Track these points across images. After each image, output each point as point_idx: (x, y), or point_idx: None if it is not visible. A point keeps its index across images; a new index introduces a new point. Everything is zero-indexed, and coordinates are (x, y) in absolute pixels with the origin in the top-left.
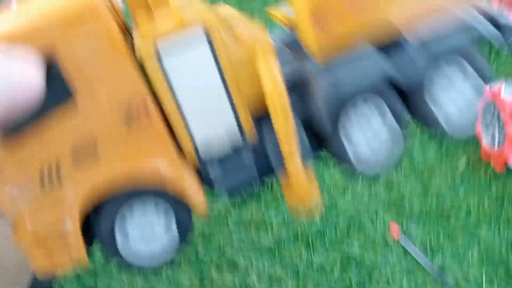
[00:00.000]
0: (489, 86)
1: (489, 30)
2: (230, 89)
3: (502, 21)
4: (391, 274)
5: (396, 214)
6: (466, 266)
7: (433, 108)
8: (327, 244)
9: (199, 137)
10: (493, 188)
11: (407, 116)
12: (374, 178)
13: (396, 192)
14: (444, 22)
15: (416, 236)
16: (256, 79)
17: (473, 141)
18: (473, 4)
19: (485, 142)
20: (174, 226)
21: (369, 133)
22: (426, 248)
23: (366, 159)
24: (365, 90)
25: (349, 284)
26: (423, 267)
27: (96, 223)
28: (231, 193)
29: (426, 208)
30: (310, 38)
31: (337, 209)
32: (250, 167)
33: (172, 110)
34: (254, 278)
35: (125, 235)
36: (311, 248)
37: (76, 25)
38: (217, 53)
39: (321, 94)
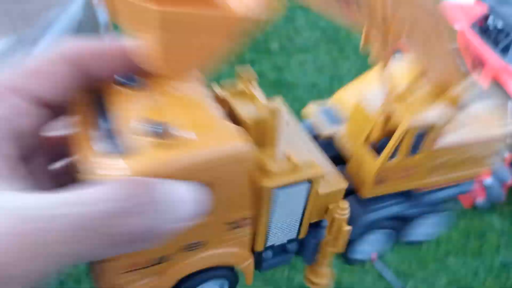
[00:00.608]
0: None
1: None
2: (305, 213)
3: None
4: None
5: None
6: None
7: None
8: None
9: (270, 241)
10: (461, 223)
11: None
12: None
13: None
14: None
15: (391, 262)
16: (324, 206)
17: None
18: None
19: None
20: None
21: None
22: (399, 274)
23: None
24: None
25: None
26: None
27: None
28: (270, 268)
29: None
30: (365, 189)
31: None
32: (291, 253)
33: (263, 224)
34: None
35: None
36: (294, 267)
37: (230, 165)
38: (311, 191)
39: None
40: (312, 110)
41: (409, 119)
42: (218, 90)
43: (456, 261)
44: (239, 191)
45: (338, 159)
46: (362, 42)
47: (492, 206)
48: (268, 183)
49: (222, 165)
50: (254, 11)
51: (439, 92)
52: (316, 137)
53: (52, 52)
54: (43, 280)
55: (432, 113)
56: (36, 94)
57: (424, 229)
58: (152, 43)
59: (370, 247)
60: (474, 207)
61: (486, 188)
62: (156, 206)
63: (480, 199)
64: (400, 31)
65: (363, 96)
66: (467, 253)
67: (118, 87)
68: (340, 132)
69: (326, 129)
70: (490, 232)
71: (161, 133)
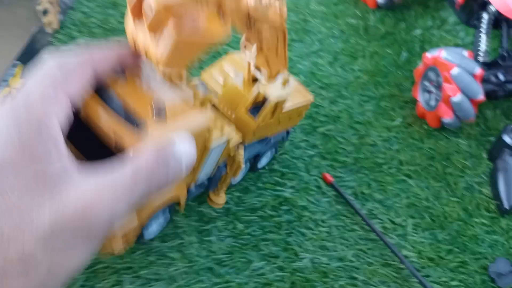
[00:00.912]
0: (429, 53)
1: None
2: (219, 160)
3: None
4: (321, 216)
5: (331, 163)
6: (394, 213)
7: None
8: (260, 187)
9: (199, 181)
10: (425, 145)
11: None
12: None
13: (332, 143)
14: None
15: (349, 184)
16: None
17: (411, 104)
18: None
19: (421, 103)
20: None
21: None
22: (357, 195)
23: None
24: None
25: (278, 224)
26: (353, 212)
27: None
28: (193, 198)
29: (360, 159)
30: (245, 139)
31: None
32: (205, 185)
33: (196, 170)
34: (180, 216)
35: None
36: (244, 190)
37: (203, 132)
38: (226, 146)
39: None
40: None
41: (274, 96)
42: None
43: (418, 184)
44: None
45: None
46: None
47: (461, 126)
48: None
49: (199, 132)
50: (220, 37)
51: (272, 77)
52: None
53: (80, 56)
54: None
55: (284, 90)
56: (72, 93)
57: (264, 160)
58: (164, 49)
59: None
60: (441, 128)
61: (454, 106)
62: (175, 161)
63: (448, 118)
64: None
65: (228, 74)
66: (430, 176)
67: (117, 80)
68: (217, 101)
69: None
70: (455, 155)
71: (160, 114)
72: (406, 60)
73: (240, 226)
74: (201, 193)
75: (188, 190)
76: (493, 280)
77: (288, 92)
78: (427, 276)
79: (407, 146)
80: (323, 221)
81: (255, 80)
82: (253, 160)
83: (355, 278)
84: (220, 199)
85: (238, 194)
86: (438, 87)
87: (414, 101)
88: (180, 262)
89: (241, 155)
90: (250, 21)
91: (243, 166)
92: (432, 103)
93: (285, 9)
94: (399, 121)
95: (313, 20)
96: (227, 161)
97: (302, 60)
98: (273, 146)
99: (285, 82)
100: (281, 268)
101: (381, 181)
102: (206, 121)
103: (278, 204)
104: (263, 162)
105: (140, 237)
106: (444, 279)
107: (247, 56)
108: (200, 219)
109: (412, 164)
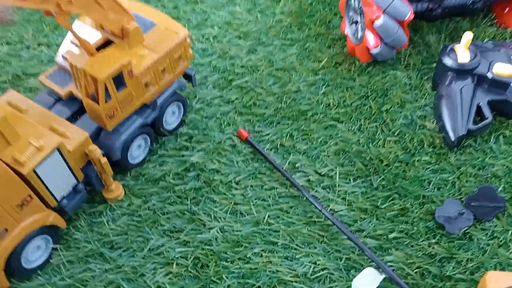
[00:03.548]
0: None
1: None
2: (71, 166)
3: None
4: (235, 177)
5: (248, 118)
6: (321, 162)
7: None
8: (163, 154)
9: (58, 195)
10: (357, 83)
11: None
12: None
13: (250, 95)
14: None
15: (268, 138)
16: (82, 154)
17: (340, 41)
18: None
19: (349, 37)
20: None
21: None
22: (277, 149)
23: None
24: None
25: (183, 193)
26: (272, 169)
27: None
28: (74, 211)
29: (281, 109)
30: (106, 125)
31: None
32: (83, 191)
33: (43, 191)
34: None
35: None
36: (142, 161)
37: None
38: (63, 153)
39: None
40: (43, 79)
41: (101, 73)
42: None
43: (348, 127)
44: (9, 183)
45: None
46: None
47: (398, 57)
48: (25, 170)
49: None
50: None
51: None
52: (60, 98)
53: None
54: None
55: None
56: None
57: (171, 119)
58: None
59: (138, 151)
60: (375, 62)
61: (379, 30)
62: None
63: (376, 48)
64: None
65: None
66: (362, 116)
67: None
68: (74, 86)
69: (62, 89)
70: (393, 89)
71: None
72: None
73: (137, 201)
74: (85, 196)
75: (62, 207)
76: (441, 226)
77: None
78: (360, 230)
79: (336, 88)
80: (237, 183)
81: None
82: (152, 130)
83: (273, 243)
84: (112, 193)
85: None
86: (361, 14)
87: (344, 38)
88: (65, 250)
89: (94, 151)
90: None
91: (103, 160)
92: (359, 33)
93: None
94: (326, 61)
95: None
96: (91, 159)
97: (217, 10)
98: (170, 103)
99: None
100: (185, 243)
101: (306, 130)
102: None
103: (183, 171)
104: (170, 122)
105: (22, 271)
106: (380, 231)
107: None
108: (91, 199)
109: (342, 106)
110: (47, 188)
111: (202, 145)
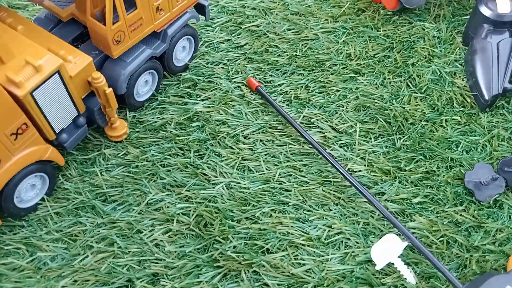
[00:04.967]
0: None
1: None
2: (72, 94)
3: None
4: (244, 130)
5: (259, 65)
6: (339, 118)
7: None
8: (164, 101)
9: (57, 127)
10: (381, 33)
11: None
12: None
13: (262, 41)
14: None
15: (281, 89)
16: (84, 82)
17: None
18: None
19: None
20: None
21: None
22: (291, 101)
23: None
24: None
25: (186, 145)
26: (284, 122)
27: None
28: (74, 146)
29: (296, 57)
30: (111, 51)
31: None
32: (84, 126)
33: (41, 119)
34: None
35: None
36: (145, 106)
37: None
38: (64, 77)
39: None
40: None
41: None
42: None
43: (370, 80)
44: (2, 107)
45: (87, 33)
46: None
47: (427, 7)
48: (20, 92)
49: None
50: None
51: None
52: (60, 21)
53: None
54: None
55: None
56: None
57: (181, 54)
58: None
59: (145, 88)
60: (403, 10)
61: None
62: None
63: None
64: None
65: None
66: (386, 70)
67: None
68: (75, 7)
69: (63, 11)
70: (420, 42)
71: None
72: None
73: (134, 151)
74: (86, 131)
75: (61, 142)
76: (470, 193)
77: None
78: (381, 193)
79: (357, 37)
80: (245, 137)
81: None
82: (161, 65)
83: (284, 203)
84: (115, 131)
85: (133, 113)
86: None
87: None
88: (52, 201)
89: (98, 78)
90: None
91: (108, 90)
92: None
93: None
94: (348, 7)
95: None
96: (94, 89)
97: None
98: (182, 35)
99: None
100: (187, 199)
101: (323, 82)
102: None
103: (186, 120)
104: (180, 58)
105: (13, 209)
106: (403, 195)
107: None
108: (83, 147)
109: (364, 57)
110: (45, 116)
111: (207, 94)
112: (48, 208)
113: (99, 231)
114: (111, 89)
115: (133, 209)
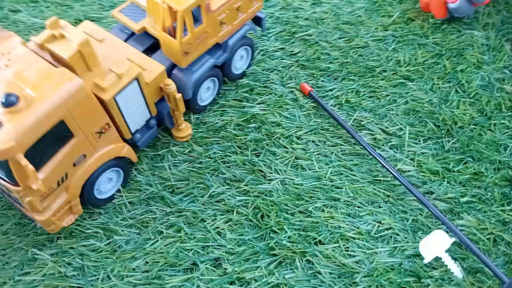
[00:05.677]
0: None
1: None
2: (147, 99)
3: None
4: (297, 132)
5: (311, 72)
6: (389, 121)
7: None
8: (224, 104)
9: (133, 127)
10: (430, 41)
11: None
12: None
13: (314, 49)
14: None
15: (332, 93)
16: (157, 88)
17: None
18: None
19: None
20: (122, 172)
21: None
22: (342, 105)
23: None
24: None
25: (244, 144)
26: (335, 125)
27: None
28: (146, 144)
29: (347, 64)
30: (180, 61)
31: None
32: (155, 127)
33: (121, 120)
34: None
35: (98, 187)
36: (207, 109)
37: (72, 97)
38: (141, 83)
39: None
40: (116, 14)
41: (181, 5)
42: (37, 40)
43: (419, 86)
44: (91, 109)
45: (158, 44)
46: None
47: (475, 16)
48: (106, 96)
49: (66, 101)
50: None
51: None
52: (133, 33)
53: None
54: None
55: None
56: None
57: (239, 63)
58: None
59: (207, 93)
60: (451, 19)
61: None
62: None
63: (455, 2)
64: None
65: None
66: (435, 76)
67: None
68: (148, 22)
69: (136, 24)
70: (469, 49)
71: (5, 102)
72: None
73: (198, 149)
74: (156, 132)
75: (135, 141)
76: None
77: None
78: (430, 192)
79: (407, 44)
80: (298, 138)
81: None
82: (221, 73)
83: (336, 199)
84: (181, 132)
85: (197, 115)
86: None
87: None
88: (126, 192)
89: (169, 85)
90: None
91: (178, 95)
92: None
93: None
94: (397, 16)
95: None
96: (165, 95)
97: None
98: (240, 46)
99: None
100: (245, 193)
101: (373, 87)
102: (77, 84)
103: (244, 122)
104: (238, 66)
105: (93, 200)
106: (451, 195)
107: None
108: (153, 144)
109: (413, 64)
110: (124, 118)
111: (263, 98)
112: (123, 198)
113: (168, 219)
114: (180, 94)
115: (198, 200)
